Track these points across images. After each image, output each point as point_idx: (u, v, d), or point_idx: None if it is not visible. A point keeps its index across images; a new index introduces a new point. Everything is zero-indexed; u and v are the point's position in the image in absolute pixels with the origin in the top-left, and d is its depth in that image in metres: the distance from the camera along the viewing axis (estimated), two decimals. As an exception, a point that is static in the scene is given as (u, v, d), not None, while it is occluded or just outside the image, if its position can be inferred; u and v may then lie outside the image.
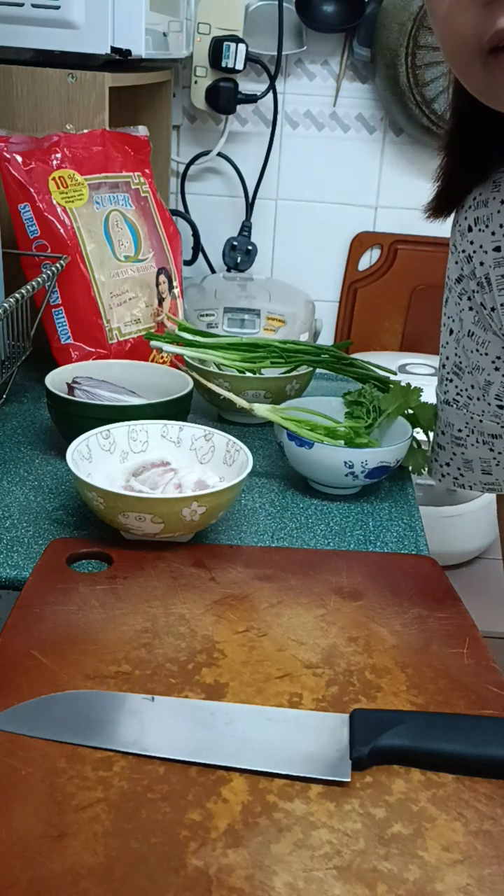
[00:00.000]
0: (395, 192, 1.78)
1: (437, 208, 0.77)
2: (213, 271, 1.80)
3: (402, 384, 0.89)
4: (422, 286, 1.83)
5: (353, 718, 0.52)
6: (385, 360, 1.09)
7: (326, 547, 0.77)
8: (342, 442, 0.85)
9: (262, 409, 0.85)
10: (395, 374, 0.99)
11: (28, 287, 0.93)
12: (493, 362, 0.77)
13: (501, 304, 0.74)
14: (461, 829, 0.46)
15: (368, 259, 1.84)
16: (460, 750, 0.50)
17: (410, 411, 0.88)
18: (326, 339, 1.87)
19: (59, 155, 1.06)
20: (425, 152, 1.71)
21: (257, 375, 1.00)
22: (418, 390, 0.87)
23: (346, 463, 0.81)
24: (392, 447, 0.82)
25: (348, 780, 0.49)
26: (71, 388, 0.91)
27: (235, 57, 1.56)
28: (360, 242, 1.82)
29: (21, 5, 1.11)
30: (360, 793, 0.48)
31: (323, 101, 1.73)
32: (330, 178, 1.78)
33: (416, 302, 1.84)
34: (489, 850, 0.45)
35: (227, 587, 0.67)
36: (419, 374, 1.69)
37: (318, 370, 1.03)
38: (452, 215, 0.79)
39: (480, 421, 0.79)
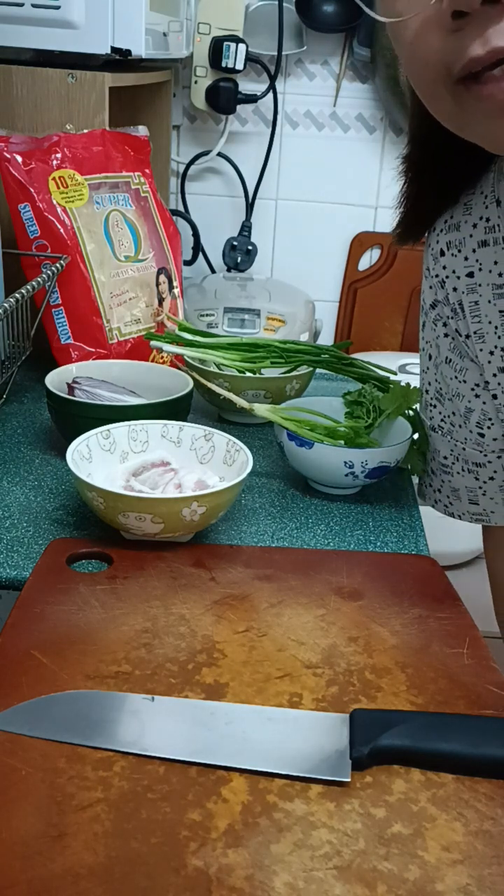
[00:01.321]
0: (395, 192, 1.78)
1: (405, 234, 0.74)
2: (213, 271, 1.80)
3: (402, 384, 0.89)
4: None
5: (353, 718, 0.52)
6: (385, 360, 1.09)
7: (326, 547, 0.77)
8: (342, 442, 0.85)
9: (262, 409, 0.85)
10: (395, 374, 0.99)
11: (28, 287, 0.93)
12: (473, 389, 0.75)
13: (475, 332, 0.72)
14: (461, 829, 0.46)
15: (368, 259, 1.84)
16: (460, 750, 0.50)
17: (410, 412, 0.88)
18: (326, 339, 1.87)
19: (59, 155, 1.06)
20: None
21: (257, 375, 1.00)
22: (418, 390, 0.87)
23: (346, 463, 0.81)
24: (392, 447, 0.82)
25: (348, 780, 0.49)
26: (71, 388, 0.91)
27: (235, 57, 1.55)
28: (360, 242, 1.82)
29: (21, 5, 1.11)
30: (360, 793, 0.48)
31: (323, 101, 1.73)
32: (330, 178, 1.78)
33: (416, 302, 1.83)
34: (489, 850, 0.45)
35: (227, 587, 0.67)
36: (419, 374, 1.68)
37: (318, 370, 1.03)
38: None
39: (464, 449, 0.77)
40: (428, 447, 0.83)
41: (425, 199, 0.72)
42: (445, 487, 0.82)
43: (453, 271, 0.73)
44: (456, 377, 0.75)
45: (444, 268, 0.73)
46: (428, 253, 0.76)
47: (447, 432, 0.78)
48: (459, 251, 0.72)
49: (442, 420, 0.79)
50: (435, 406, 0.79)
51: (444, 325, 0.75)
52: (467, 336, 0.73)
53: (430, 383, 0.80)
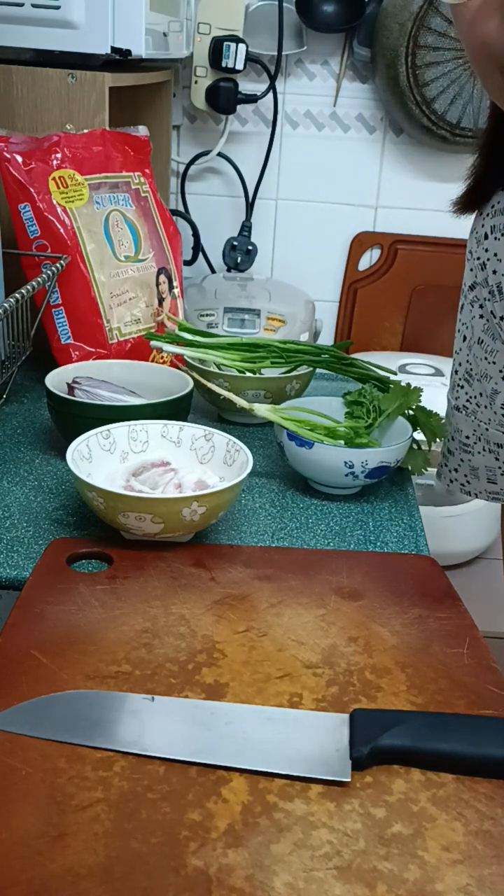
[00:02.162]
0: (395, 192, 1.78)
1: (466, 204, 0.77)
2: (213, 271, 1.80)
3: (402, 384, 0.89)
4: (422, 286, 1.83)
5: (353, 718, 0.52)
6: (385, 360, 1.09)
7: (326, 547, 0.77)
8: (342, 442, 0.85)
9: (262, 409, 0.85)
10: (395, 374, 0.99)
11: (28, 287, 0.93)
12: (501, 371, 0.77)
13: None
14: (461, 829, 0.46)
15: (368, 259, 1.84)
16: (460, 750, 0.50)
17: (411, 412, 0.88)
18: (326, 339, 1.87)
19: (59, 155, 1.06)
20: (425, 152, 1.71)
21: (257, 375, 1.00)
22: (418, 390, 0.87)
23: (346, 463, 0.81)
24: (392, 447, 0.82)
25: (348, 780, 0.49)
26: (71, 388, 0.91)
27: (235, 57, 1.56)
28: (360, 242, 1.83)
29: (21, 5, 1.11)
30: (360, 793, 0.48)
31: (323, 101, 1.73)
32: (330, 178, 1.78)
33: (416, 302, 1.84)
34: (489, 850, 0.45)
35: (227, 587, 0.67)
36: (419, 374, 1.68)
37: (318, 370, 1.03)
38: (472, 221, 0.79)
39: (487, 429, 0.79)
40: (448, 428, 0.84)
41: (491, 175, 0.75)
42: (464, 466, 0.83)
43: (495, 254, 0.75)
44: (486, 358, 0.77)
45: (487, 251, 0.76)
46: (472, 236, 0.79)
47: (471, 412, 0.80)
48: (503, 234, 0.74)
49: (468, 400, 0.80)
50: (462, 387, 0.81)
51: (481, 306, 0.77)
52: (502, 318, 0.75)
53: (460, 364, 0.82)
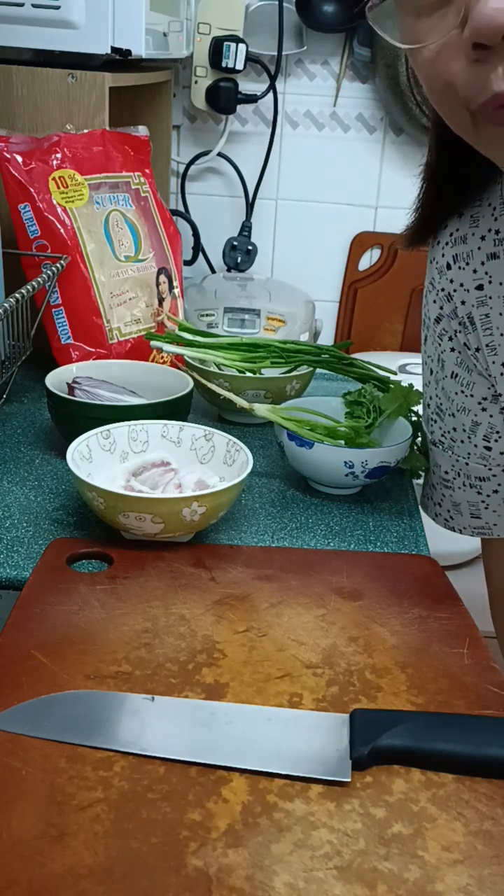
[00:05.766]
0: (395, 192, 1.78)
1: (417, 238, 0.74)
2: (213, 271, 1.80)
3: (402, 384, 0.89)
4: (422, 286, 1.82)
5: (353, 718, 0.52)
6: (385, 360, 1.09)
7: (326, 547, 0.77)
8: (342, 442, 0.85)
9: (262, 409, 0.85)
10: (395, 374, 0.99)
11: (28, 287, 0.93)
12: (480, 403, 0.74)
13: (487, 345, 0.72)
14: (461, 829, 0.46)
15: (368, 259, 1.84)
16: (460, 750, 0.50)
17: (414, 417, 0.87)
18: (326, 339, 1.86)
19: (59, 155, 1.06)
20: (425, 152, 1.71)
21: (257, 375, 1.00)
22: (418, 391, 0.87)
23: (346, 463, 0.81)
24: (392, 447, 0.82)
25: (348, 780, 0.49)
26: (71, 388, 0.91)
27: (235, 57, 1.55)
28: (360, 242, 1.82)
29: (21, 5, 1.11)
30: (360, 793, 0.48)
31: (323, 101, 1.73)
32: (330, 178, 1.78)
33: (416, 302, 1.83)
34: (489, 850, 0.45)
35: (227, 587, 0.67)
36: (419, 374, 1.68)
37: (318, 370, 1.03)
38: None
39: (466, 464, 0.77)
40: (430, 460, 0.83)
41: (442, 204, 0.72)
42: (446, 502, 0.82)
43: (461, 284, 0.72)
44: (462, 391, 0.75)
45: (451, 281, 0.73)
46: (432, 267, 0.75)
47: (448, 447, 0.78)
48: (467, 264, 0.71)
49: (443, 435, 0.79)
50: (436, 421, 0.79)
51: (451, 339, 0.74)
52: (477, 349, 0.72)
53: (431, 398, 0.80)
